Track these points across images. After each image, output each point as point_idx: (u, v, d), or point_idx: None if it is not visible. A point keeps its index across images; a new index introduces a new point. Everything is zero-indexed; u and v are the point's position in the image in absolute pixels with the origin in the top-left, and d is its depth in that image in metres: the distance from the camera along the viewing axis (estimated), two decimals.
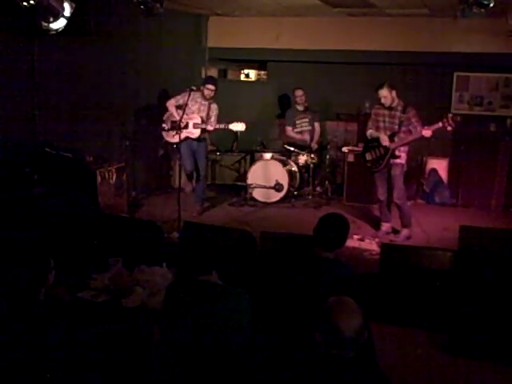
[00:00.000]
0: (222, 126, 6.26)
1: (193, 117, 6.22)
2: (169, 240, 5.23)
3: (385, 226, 6.06)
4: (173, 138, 6.25)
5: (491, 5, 4.67)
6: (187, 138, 6.23)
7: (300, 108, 7.64)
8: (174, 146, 6.29)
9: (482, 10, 4.72)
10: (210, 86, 6.25)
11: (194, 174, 6.73)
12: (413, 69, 7.86)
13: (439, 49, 7.55)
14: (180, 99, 6.27)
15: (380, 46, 7.79)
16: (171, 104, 6.33)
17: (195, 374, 2.55)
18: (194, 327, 2.59)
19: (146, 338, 3.09)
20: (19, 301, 2.50)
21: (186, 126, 6.17)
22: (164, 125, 6.40)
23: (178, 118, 6.07)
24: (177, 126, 6.02)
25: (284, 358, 2.52)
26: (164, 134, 6.44)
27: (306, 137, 7.59)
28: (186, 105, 6.02)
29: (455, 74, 7.98)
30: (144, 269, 3.84)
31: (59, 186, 5.21)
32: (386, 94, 5.56)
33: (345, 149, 7.65)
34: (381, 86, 5.59)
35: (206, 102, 6.29)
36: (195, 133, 6.24)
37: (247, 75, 10.66)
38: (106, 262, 4.02)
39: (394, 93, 5.58)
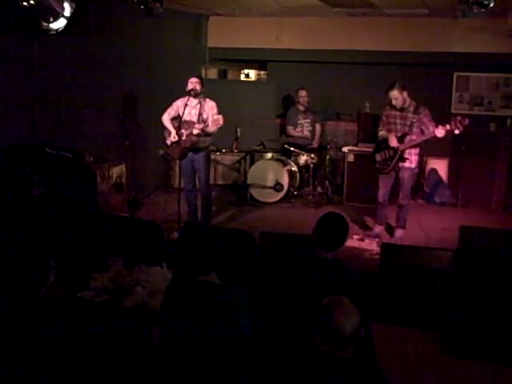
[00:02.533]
0: (201, 127, 5.62)
1: (186, 125, 5.67)
2: (169, 240, 5.23)
3: (377, 228, 5.99)
4: (175, 152, 5.82)
5: (491, 5, 4.67)
6: (186, 150, 5.74)
7: (301, 108, 7.66)
8: (178, 162, 5.79)
9: (482, 9, 4.71)
10: (192, 79, 5.71)
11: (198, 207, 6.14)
12: (413, 69, 7.85)
13: (439, 49, 7.55)
14: (172, 111, 5.87)
15: (380, 45, 7.79)
16: (165, 119, 5.89)
17: (195, 374, 2.54)
18: (193, 327, 2.59)
19: (145, 338, 3.09)
20: (19, 301, 2.50)
21: (181, 138, 5.69)
22: (167, 141, 5.89)
23: (173, 131, 5.71)
24: (176, 140, 5.69)
25: (284, 358, 2.52)
26: (169, 152, 5.95)
27: (306, 132, 7.59)
28: (182, 114, 5.61)
29: (455, 74, 7.98)
30: (144, 269, 3.84)
31: (59, 186, 5.21)
32: (397, 96, 5.44)
33: (345, 149, 7.65)
34: (391, 88, 5.45)
35: (197, 103, 5.75)
36: (188, 142, 5.69)
37: (247, 75, 10.65)
38: (105, 261, 4.03)
39: (405, 93, 5.46)
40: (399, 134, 5.56)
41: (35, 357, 2.38)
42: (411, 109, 5.50)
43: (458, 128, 5.21)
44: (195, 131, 5.64)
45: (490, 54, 7.34)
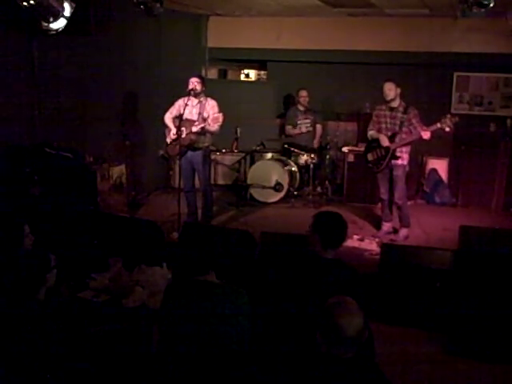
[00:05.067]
0: (201, 125, 5.64)
1: (186, 123, 5.67)
2: (169, 240, 5.23)
3: (386, 226, 6.08)
4: (173, 150, 5.86)
5: (491, 5, 4.67)
6: (185, 148, 5.75)
7: (301, 108, 7.66)
8: (177, 159, 5.85)
9: (482, 9, 4.71)
10: (192, 79, 5.73)
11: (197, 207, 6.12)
12: (413, 69, 7.85)
13: (439, 49, 7.55)
14: (173, 110, 5.90)
15: (380, 45, 7.79)
16: (167, 118, 5.94)
17: (195, 374, 2.55)
18: (193, 327, 2.59)
19: (145, 337, 3.09)
20: (20, 301, 2.50)
21: (181, 136, 5.69)
22: (167, 139, 5.93)
23: (174, 129, 5.76)
24: (175, 138, 5.72)
25: (284, 358, 2.52)
26: (168, 149, 6.00)
27: (305, 129, 7.59)
28: (182, 114, 5.59)
29: (455, 74, 7.97)
30: (144, 269, 3.84)
31: (59, 185, 5.20)
32: (391, 87, 5.59)
33: (345, 149, 7.65)
34: (388, 80, 5.65)
35: (197, 102, 5.78)
36: (187, 140, 5.69)
37: (247, 75, 10.65)
38: (106, 262, 4.03)
39: (398, 90, 5.62)
40: (389, 133, 5.68)
41: (35, 356, 2.38)
42: (401, 109, 5.64)
43: (449, 126, 5.33)
44: (194, 129, 5.66)
45: (490, 53, 7.34)
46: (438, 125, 5.34)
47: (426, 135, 5.37)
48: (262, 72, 10.34)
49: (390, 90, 5.59)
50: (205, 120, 5.69)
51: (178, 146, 5.71)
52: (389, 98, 5.62)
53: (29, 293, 2.53)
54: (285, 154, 7.61)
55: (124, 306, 3.43)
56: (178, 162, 6.02)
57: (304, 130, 7.62)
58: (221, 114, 5.65)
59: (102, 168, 5.98)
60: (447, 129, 5.34)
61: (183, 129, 5.69)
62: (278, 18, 8.16)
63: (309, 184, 7.45)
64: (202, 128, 5.67)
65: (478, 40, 7.28)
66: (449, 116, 5.37)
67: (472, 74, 7.90)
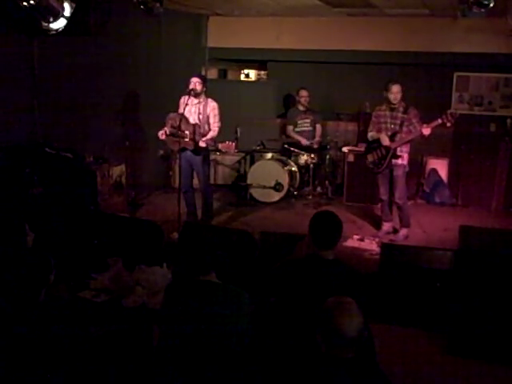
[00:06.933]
0: (211, 143, 5.67)
1: (189, 127, 5.66)
2: (169, 240, 5.23)
3: (386, 226, 6.08)
4: (173, 144, 5.82)
5: (491, 5, 4.67)
6: (184, 148, 5.73)
7: (302, 108, 7.65)
8: (177, 153, 5.86)
9: (482, 10, 4.72)
10: (193, 79, 5.71)
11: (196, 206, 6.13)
12: (413, 69, 7.86)
13: (439, 49, 7.55)
14: (180, 107, 5.86)
15: (380, 45, 7.79)
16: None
17: (195, 375, 2.55)
18: (193, 327, 2.59)
19: (145, 337, 3.09)
20: (20, 301, 2.50)
21: (183, 136, 5.67)
22: (166, 128, 5.79)
23: (175, 123, 5.72)
24: (176, 133, 5.69)
25: (284, 359, 2.52)
26: (167, 139, 5.87)
27: (304, 141, 7.53)
28: (182, 113, 5.60)
29: (455, 74, 7.98)
30: (144, 269, 3.84)
31: (59, 186, 5.20)
32: (398, 90, 5.60)
33: (345, 149, 7.65)
34: (394, 82, 5.65)
35: (198, 103, 5.78)
36: (191, 144, 5.68)
37: (247, 75, 10.66)
38: (105, 262, 4.03)
39: (402, 92, 5.64)
40: (390, 133, 5.70)
41: (35, 357, 2.38)
42: (401, 109, 5.67)
43: (450, 121, 5.38)
44: (201, 144, 5.60)
45: (490, 54, 7.34)
46: (439, 120, 5.38)
47: (427, 131, 5.40)
48: (262, 72, 10.35)
49: (398, 94, 5.59)
50: (201, 121, 5.69)
51: (178, 142, 5.69)
52: (396, 102, 5.62)
53: (31, 294, 2.52)
54: (285, 153, 7.61)
55: (124, 306, 3.43)
56: (177, 161, 6.01)
57: (304, 141, 7.55)
58: (217, 130, 5.77)
59: (102, 168, 5.98)
60: (448, 124, 5.39)
61: (187, 132, 5.66)
62: (278, 18, 8.16)
63: (309, 184, 7.45)
64: (202, 134, 5.67)
65: (477, 40, 7.28)
66: (449, 111, 5.42)
67: (472, 74, 7.90)
